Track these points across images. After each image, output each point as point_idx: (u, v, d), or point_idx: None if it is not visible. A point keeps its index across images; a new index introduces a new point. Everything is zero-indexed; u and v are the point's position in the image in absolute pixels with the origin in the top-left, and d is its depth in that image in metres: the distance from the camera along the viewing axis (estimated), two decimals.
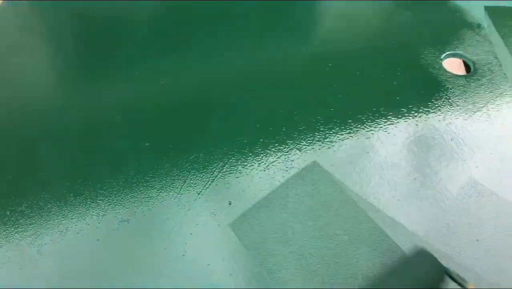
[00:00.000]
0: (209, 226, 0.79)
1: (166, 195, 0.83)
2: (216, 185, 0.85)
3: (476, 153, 0.87)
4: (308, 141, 0.90)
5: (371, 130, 0.91)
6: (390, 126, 0.91)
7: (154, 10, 1.22)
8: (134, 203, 0.82)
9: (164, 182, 0.85)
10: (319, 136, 0.90)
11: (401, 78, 1.01)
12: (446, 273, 0.59)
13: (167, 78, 1.03)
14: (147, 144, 0.91)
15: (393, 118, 0.93)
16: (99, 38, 1.15)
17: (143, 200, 0.82)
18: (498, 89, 0.98)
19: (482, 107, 0.95)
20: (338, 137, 0.90)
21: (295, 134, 0.91)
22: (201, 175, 0.86)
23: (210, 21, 1.18)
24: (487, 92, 0.98)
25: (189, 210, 0.81)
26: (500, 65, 1.03)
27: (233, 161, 0.88)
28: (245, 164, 0.87)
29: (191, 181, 0.85)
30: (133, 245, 0.77)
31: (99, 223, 0.79)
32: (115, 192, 0.83)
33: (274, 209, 0.81)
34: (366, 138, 0.90)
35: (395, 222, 0.78)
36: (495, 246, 0.74)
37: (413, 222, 0.78)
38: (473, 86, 0.99)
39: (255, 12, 1.20)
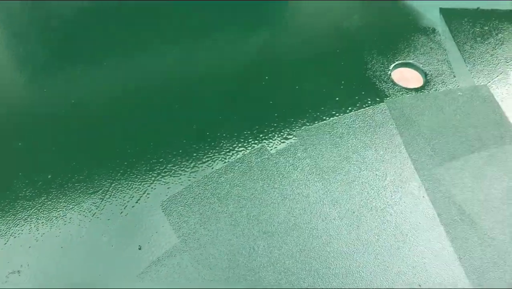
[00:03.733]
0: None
1: (67, 241, 0.73)
2: (126, 226, 0.75)
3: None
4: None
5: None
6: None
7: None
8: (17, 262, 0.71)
9: (66, 222, 0.75)
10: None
11: (344, 93, 0.92)
12: None
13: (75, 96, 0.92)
14: (49, 176, 0.81)
15: (323, 150, 0.85)
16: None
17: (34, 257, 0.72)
18: (448, 105, 0.91)
19: (433, 129, 0.87)
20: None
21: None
22: (109, 213, 0.76)
23: (139, 25, 1.07)
24: (439, 109, 0.90)
25: (91, 258, 0.72)
26: (454, 76, 0.95)
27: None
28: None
29: (96, 224, 0.75)
30: None
31: None
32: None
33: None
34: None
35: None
36: None
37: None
38: (423, 102, 0.91)
39: (191, 15, 1.10)
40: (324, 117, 0.89)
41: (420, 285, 0.71)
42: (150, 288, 0.69)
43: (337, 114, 0.90)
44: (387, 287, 0.70)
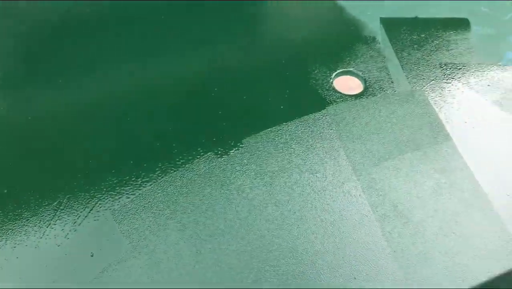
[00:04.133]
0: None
1: (22, 250, 0.77)
2: (79, 235, 0.79)
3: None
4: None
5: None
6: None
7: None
8: None
9: (21, 233, 0.79)
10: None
11: (289, 101, 0.98)
12: None
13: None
14: (5, 191, 0.85)
15: (272, 150, 0.91)
16: None
17: None
18: (385, 109, 0.97)
19: (371, 132, 0.94)
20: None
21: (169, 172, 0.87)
22: (63, 224, 0.80)
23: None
24: (376, 113, 0.97)
25: (46, 266, 0.76)
26: (392, 82, 1.02)
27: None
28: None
29: (51, 232, 0.79)
30: None
31: None
32: None
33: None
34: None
35: None
36: None
37: None
38: (362, 107, 0.98)
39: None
40: (270, 125, 0.95)
41: (355, 278, 0.77)
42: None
43: (282, 122, 0.96)
44: (325, 282, 0.76)
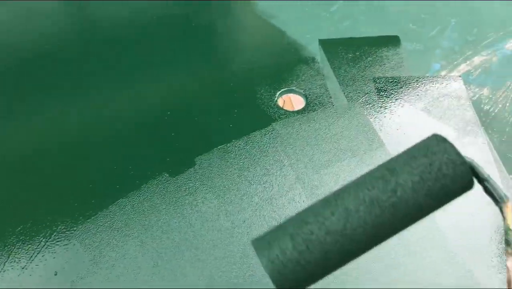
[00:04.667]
0: None
1: None
2: (43, 255, 0.85)
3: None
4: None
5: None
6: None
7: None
8: None
9: None
10: None
11: (237, 119, 1.07)
12: (473, 172, 0.40)
13: None
14: None
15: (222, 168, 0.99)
16: None
17: None
18: (325, 122, 1.07)
19: (312, 143, 1.03)
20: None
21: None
22: (27, 247, 0.86)
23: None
24: (317, 126, 1.06)
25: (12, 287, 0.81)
26: (330, 97, 1.12)
27: (62, 227, 0.88)
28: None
29: (16, 255, 0.85)
30: None
31: None
32: None
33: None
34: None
35: None
36: None
37: None
38: (304, 122, 1.07)
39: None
40: (220, 143, 1.03)
41: None
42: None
43: (231, 139, 1.04)
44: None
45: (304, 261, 0.38)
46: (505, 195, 0.37)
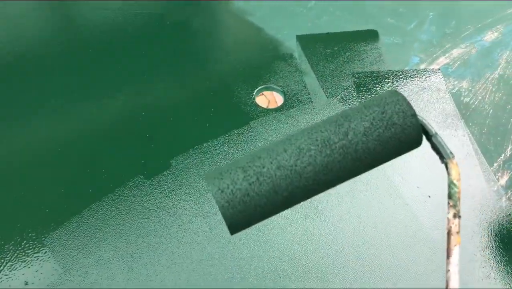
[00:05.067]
0: None
1: None
2: (12, 265, 0.82)
3: None
4: None
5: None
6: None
7: None
8: None
9: None
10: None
11: (214, 119, 1.05)
12: (422, 129, 0.41)
13: None
14: None
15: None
16: None
17: None
18: (304, 119, 1.05)
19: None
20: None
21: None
22: None
23: None
24: (295, 123, 1.04)
25: None
26: (309, 94, 1.10)
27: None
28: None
29: None
30: None
31: None
32: None
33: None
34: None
35: None
36: None
37: None
38: (282, 119, 1.05)
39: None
40: (196, 143, 1.01)
41: (280, 277, 0.83)
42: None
43: (208, 139, 1.02)
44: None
45: (253, 193, 0.39)
46: (451, 152, 0.39)
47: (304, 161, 0.40)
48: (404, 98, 0.42)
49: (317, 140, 0.41)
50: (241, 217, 0.39)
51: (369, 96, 1.11)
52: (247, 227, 0.40)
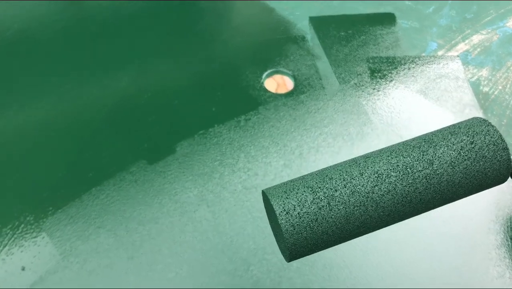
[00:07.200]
0: None
1: None
2: (9, 249, 0.81)
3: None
4: None
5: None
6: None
7: None
8: None
9: None
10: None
11: (220, 103, 1.02)
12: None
13: None
14: None
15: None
16: None
17: None
18: (315, 105, 1.02)
19: (299, 128, 0.98)
20: None
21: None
22: None
23: None
24: (305, 109, 1.01)
25: None
26: (320, 79, 1.07)
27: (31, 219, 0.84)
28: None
29: None
30: None
31: None
32: None
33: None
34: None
35: None
36: None
37: None
38: (292, 105, 1.02)
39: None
40: (201, 128, 0.98)
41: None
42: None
43: (214, 124, 0.99)
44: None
45: (321, 219, 0.35)
46: None
47: (382, 188, 0.36)
48: (495, 129, 0.39)
49: (398, 166, 0.37)
50: (305, 245, 0.35)
51: (384, 82, 1.08)
52: (306, 255, 0.36)
